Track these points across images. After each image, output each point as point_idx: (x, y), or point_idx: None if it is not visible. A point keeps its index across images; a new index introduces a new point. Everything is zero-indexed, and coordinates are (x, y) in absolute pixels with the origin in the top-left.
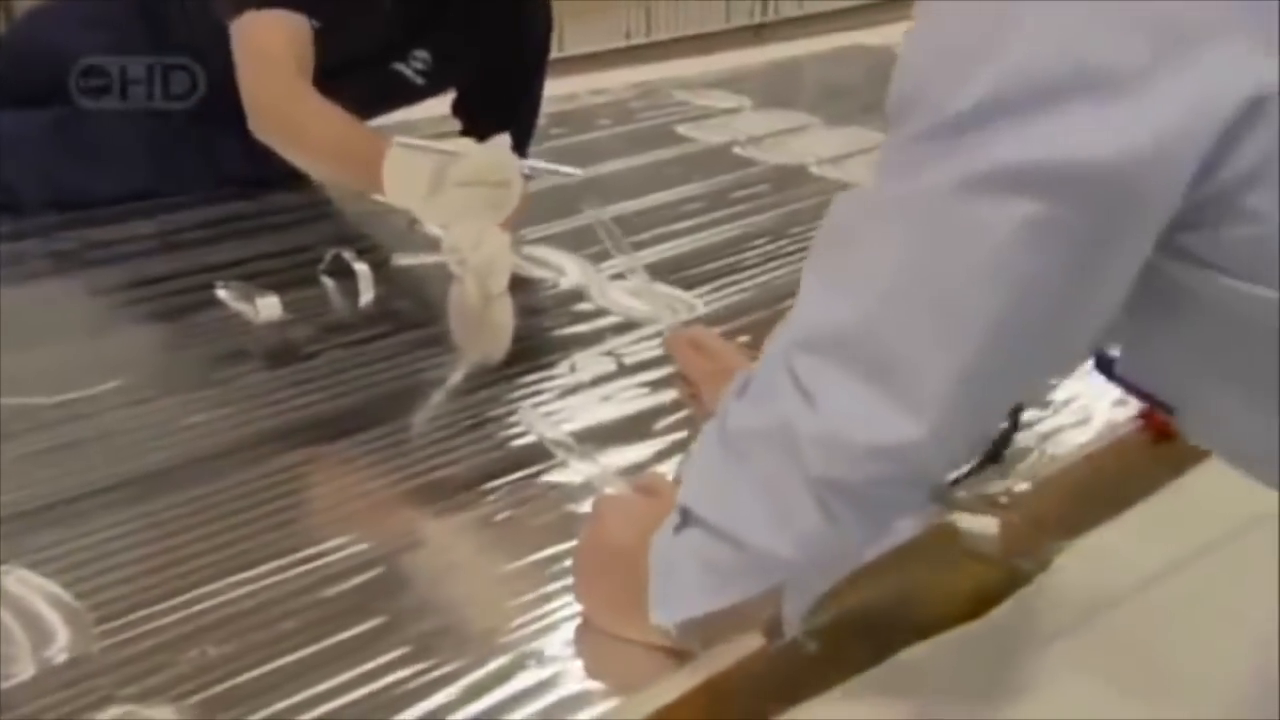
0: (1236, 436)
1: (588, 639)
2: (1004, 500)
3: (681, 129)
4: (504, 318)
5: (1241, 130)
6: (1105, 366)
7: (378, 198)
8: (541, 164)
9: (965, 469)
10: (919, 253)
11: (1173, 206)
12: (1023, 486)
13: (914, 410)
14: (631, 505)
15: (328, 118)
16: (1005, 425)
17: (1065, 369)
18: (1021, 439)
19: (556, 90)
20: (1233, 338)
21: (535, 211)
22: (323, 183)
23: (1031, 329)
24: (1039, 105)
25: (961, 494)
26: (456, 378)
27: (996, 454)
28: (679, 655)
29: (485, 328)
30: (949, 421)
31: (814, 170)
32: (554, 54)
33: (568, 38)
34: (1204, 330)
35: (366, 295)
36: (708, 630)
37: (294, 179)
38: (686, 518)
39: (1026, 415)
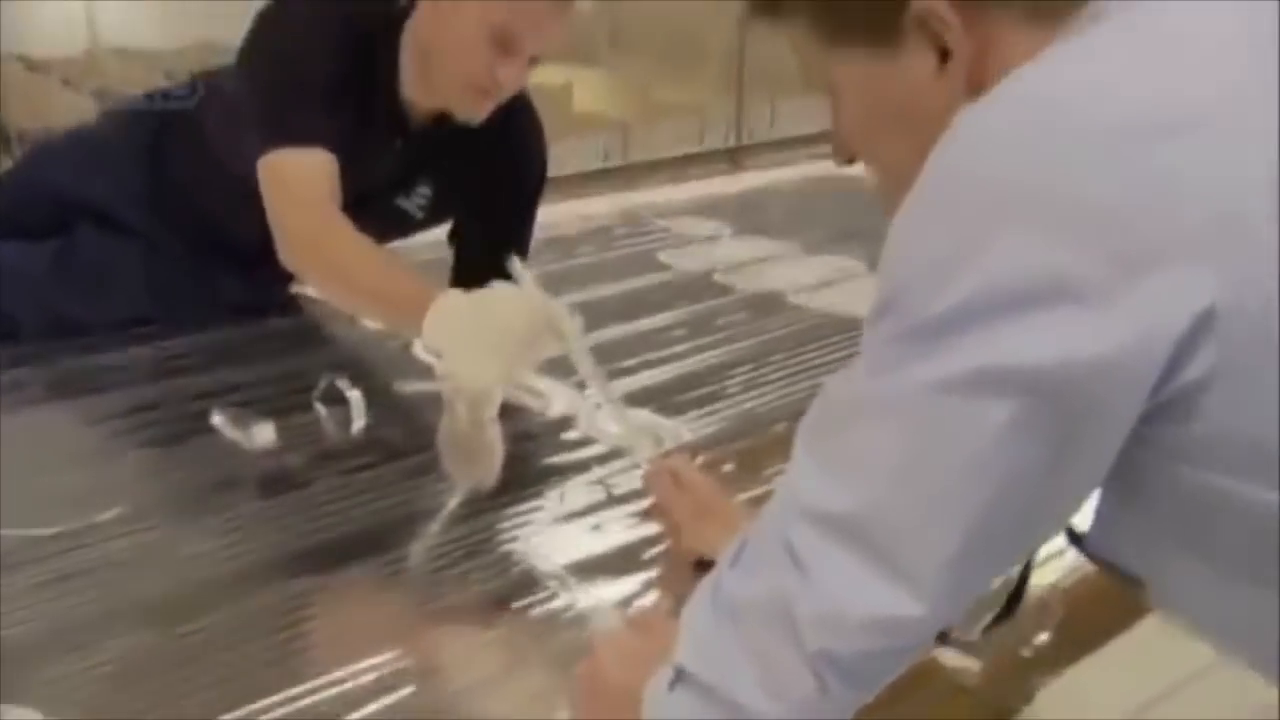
0: (1203, 612)
1: None
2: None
3: (663, 256)
4: (494, 445)
5: (1194, 342)
6: (1075, 539)
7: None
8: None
9: (983, 623)
10: (907, 447)
11: (1139, 406)
12: (1042, 638)
13: (912, 588)
14: (626, 644)
15: (368, 256)
16: (1017, 580)
17: (1051, 538)
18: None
19: (541, 216)
20: (1199, 521)
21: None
22: (354, 315)
23: (1018, 513)
24: (1011, 314)
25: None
26: (449, 507)
27: (1010, 609)
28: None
29: (476, 455)
30: (945, 595)
31: (790, 298)
32: None
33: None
34: (1171, 512)
35: (359, 422)
36: None
37: (288, 305)
38: (680, 676)
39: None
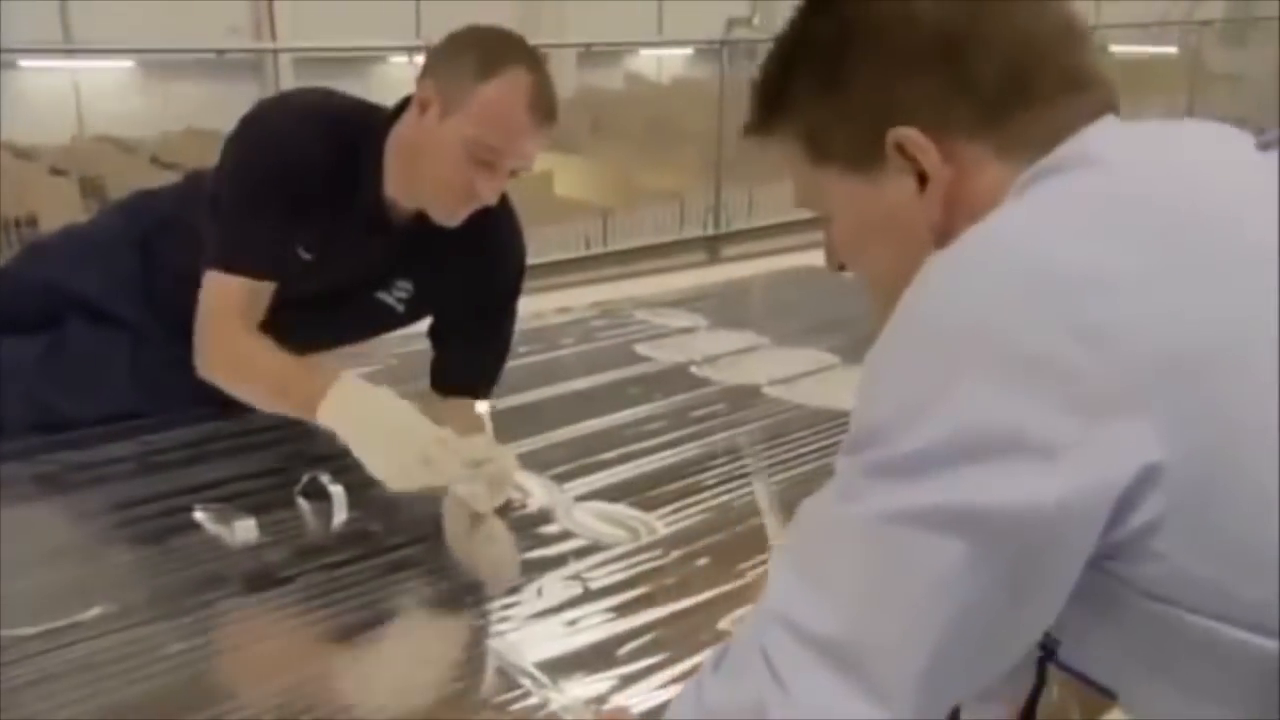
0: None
1: None
2: None
3: (640, 348)
4: (497, 540)
5: (1140, 491)
6: (1047, 651)
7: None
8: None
9: None
10: (874, 573)
11: (1089, 548)
12: None
13: (882, 700)
14: None
15: (270, 359)
16: (1033, 685)
17: (1017, 659)
18: None
19: (524, 307)
20: (1164, 647)
21: (502, 430)
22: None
23: (980, 638)
24: (968, 460)
25: None
26: (431, 602)
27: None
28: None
29: (484, 550)
30: (918, 708)
31: (766, 390)
32: None
33: (528, 247)
34: (1136, 636)
35: (340, 517)
36: None
37: None
38: None
39: None
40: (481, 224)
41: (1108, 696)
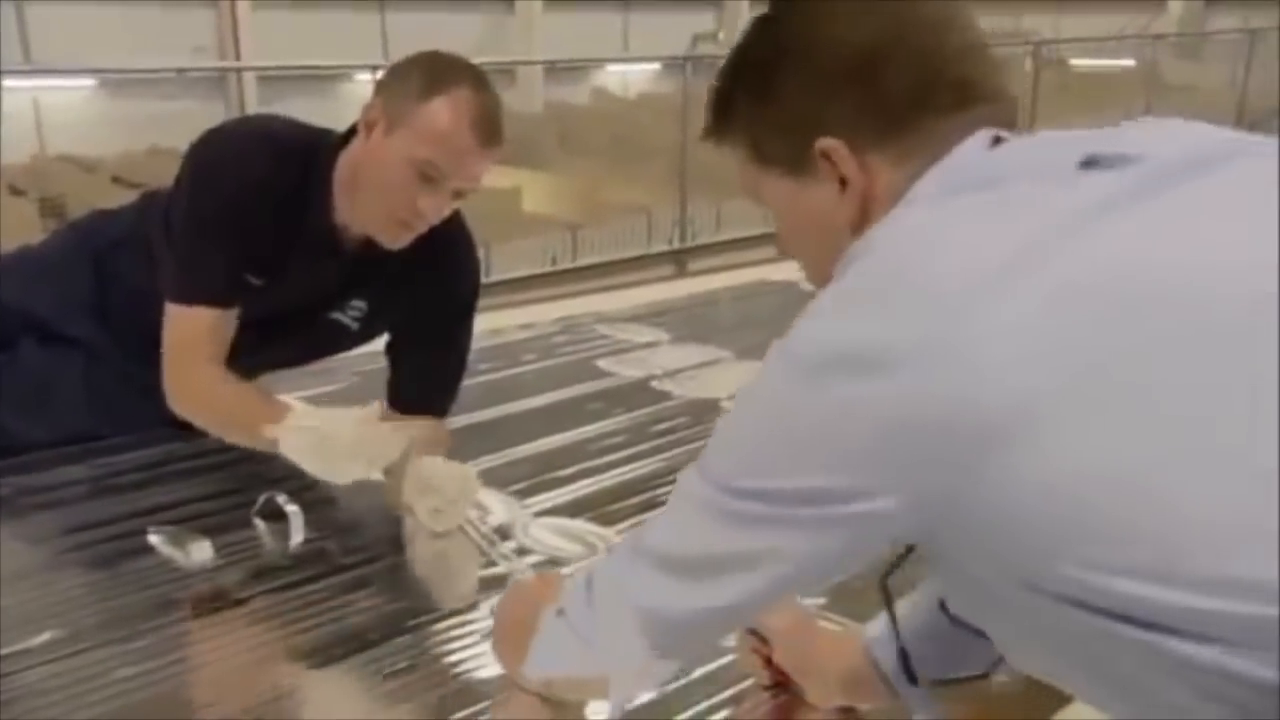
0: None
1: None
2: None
3: (602, 363)
4: (466, 559)
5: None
6: (945, 610)
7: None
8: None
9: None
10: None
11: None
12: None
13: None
14: (531, 589)
15: (229, 393)
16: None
17: None
18: None
19: (485, 324)
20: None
21: (462, 448)
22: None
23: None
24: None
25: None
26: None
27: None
28: (552, 705)
29: (445, 568)
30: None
31: (726, 404)
32: (483, 279)
33: (495, 263)
34: (966, 590)
35: (297, 537)
36: (562, 689)
37: None
38: (560, 612)
39: None
40: (435, 241)
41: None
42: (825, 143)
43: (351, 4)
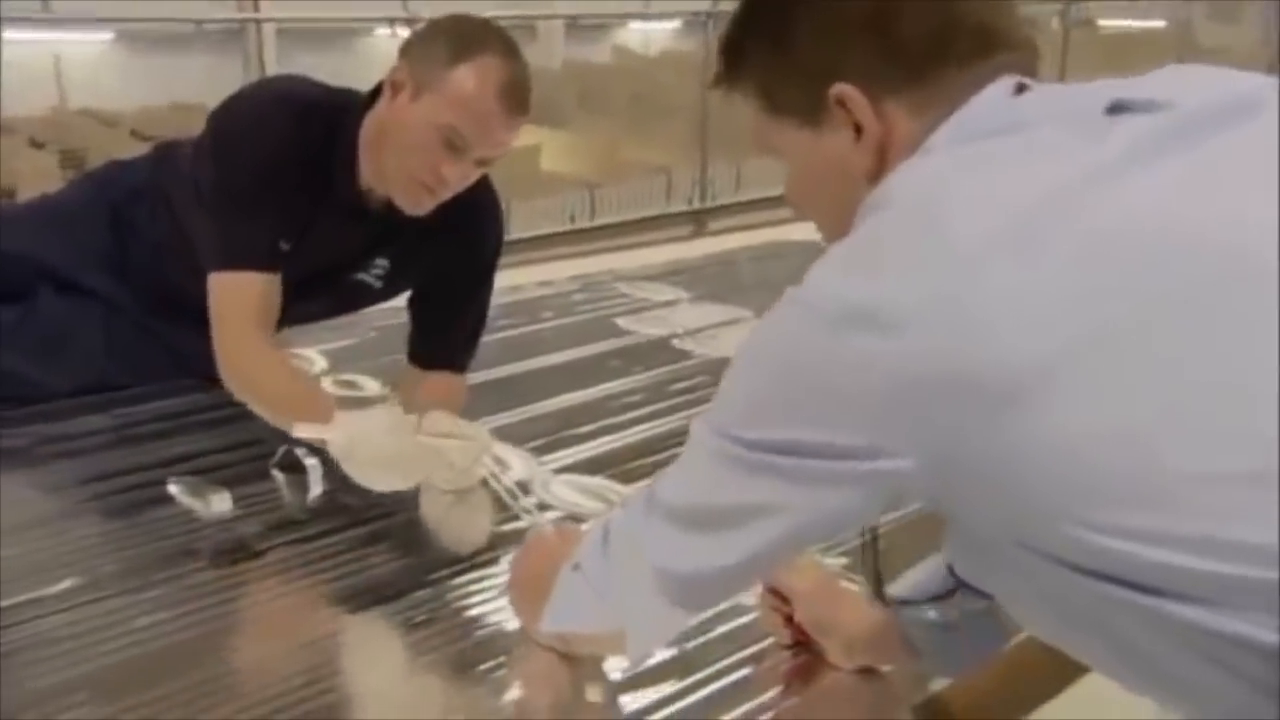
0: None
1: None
2: None
3: (622, 321)
4: (479, 511)
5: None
6: (951, 571)
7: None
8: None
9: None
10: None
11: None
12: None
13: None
14: (548, 542)
15: (283, 380)
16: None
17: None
18: None
19: (504, 281)
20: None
21: (481, 404)
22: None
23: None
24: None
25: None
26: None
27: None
28: (569, 660)
29: (458, 519)
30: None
31: None
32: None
33: (514, 220)
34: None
35: (316, 490)
36: (579, 644)
37: None
38: (577, 567)
39: None
40: (460, 201)
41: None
42: (840, 89)
43: None
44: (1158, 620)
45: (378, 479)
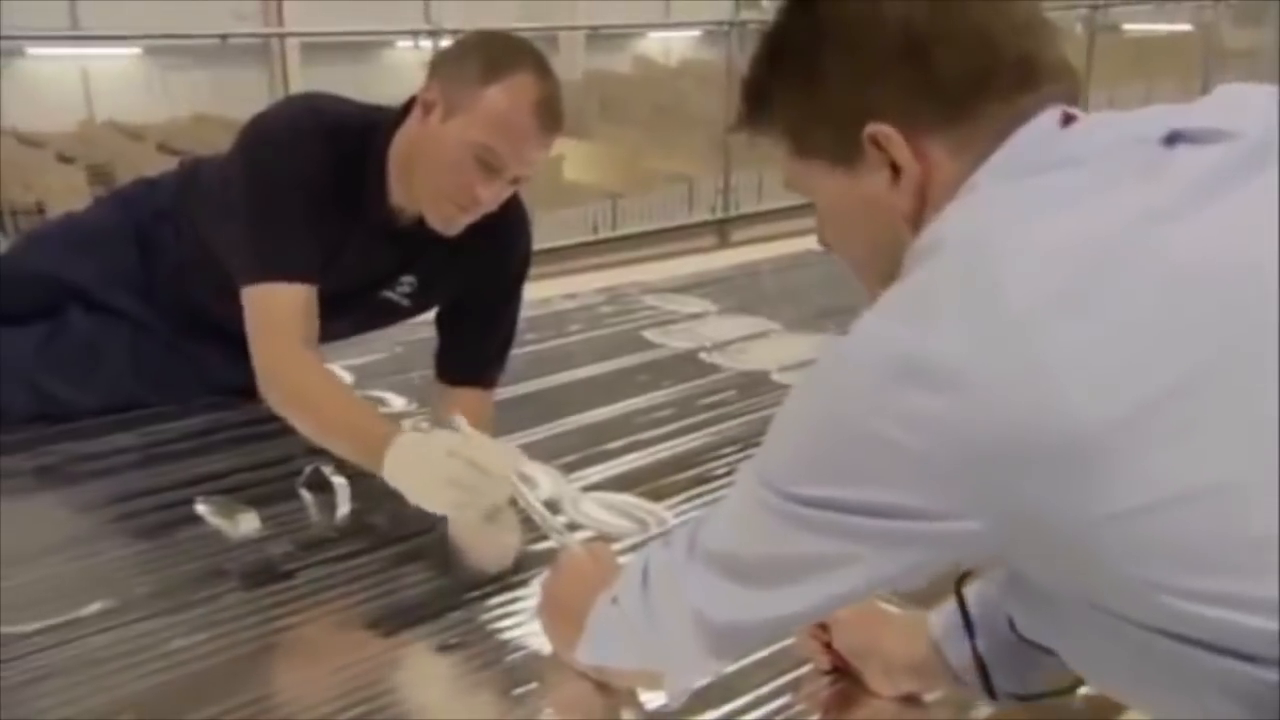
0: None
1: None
2: None
3: (649, 334)
4: (508, 530)
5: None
6: (1011, 626)
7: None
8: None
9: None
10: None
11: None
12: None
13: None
14: (580, 564)
15: (336, 396)
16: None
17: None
18: None
19: (530, 294)
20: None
21: (509, 420)
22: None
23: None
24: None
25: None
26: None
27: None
28: (604, 686)
29: (487, 539)
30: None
31: (776, 377)
32: None
33: (537, 231)
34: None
35: (343, 509)
36: (615, 677)
37: None
38: (616, 601)
39: None
40: (489, 215)
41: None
42: (875, 128)
43: None
44: (1248, 684)
45: (437, 500)
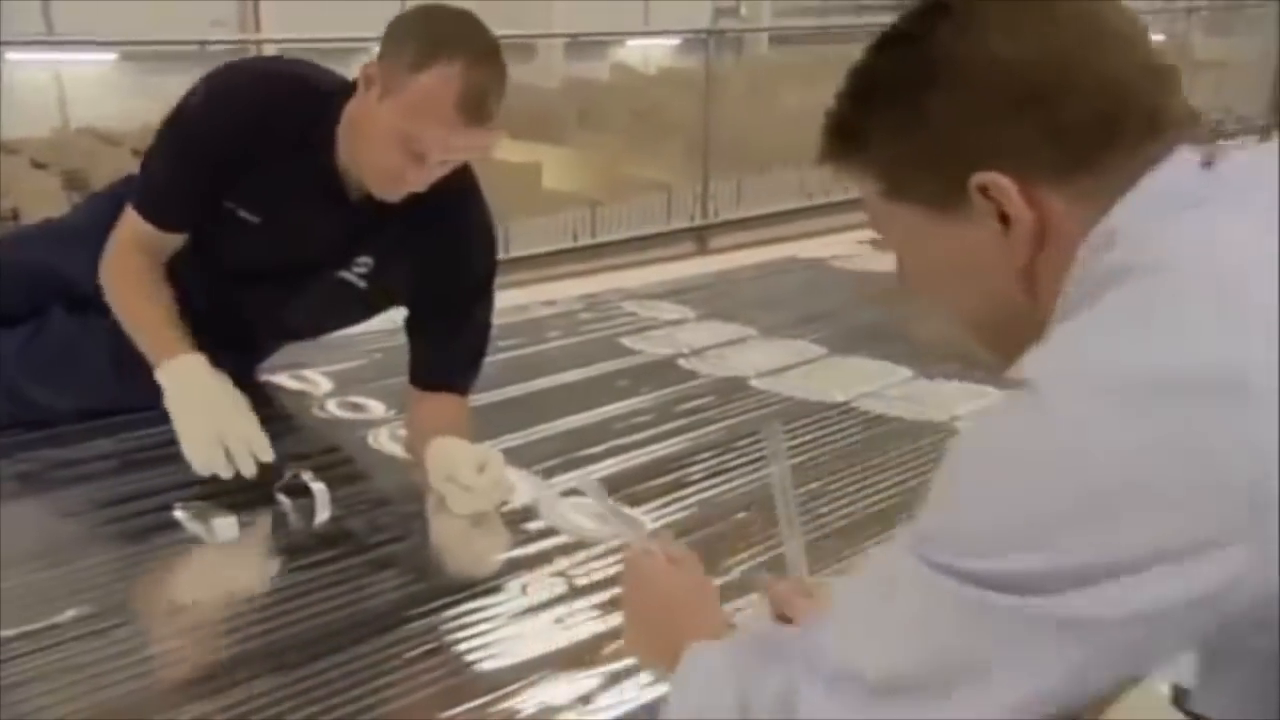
0: None
1: None
2: None
3: (628, 340)
4: (494, 535)
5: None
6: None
7: None
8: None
9: None
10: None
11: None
12: None
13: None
14: (663, 575)
15: (139, 302)
16: None
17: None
18: None
19: (508, 301)
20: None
21: (488, 426)
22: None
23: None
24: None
25: None
26: (413, 599)
27: None
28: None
29: (472, 544)
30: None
31: (754, 383)
32: (503, 255)
33: (515, 239)
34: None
35: (322, 515)
36: None
37: (254, 392)
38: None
39: None
40: (443, 203)
41: None
42: (986, 177)
43: None
44: None
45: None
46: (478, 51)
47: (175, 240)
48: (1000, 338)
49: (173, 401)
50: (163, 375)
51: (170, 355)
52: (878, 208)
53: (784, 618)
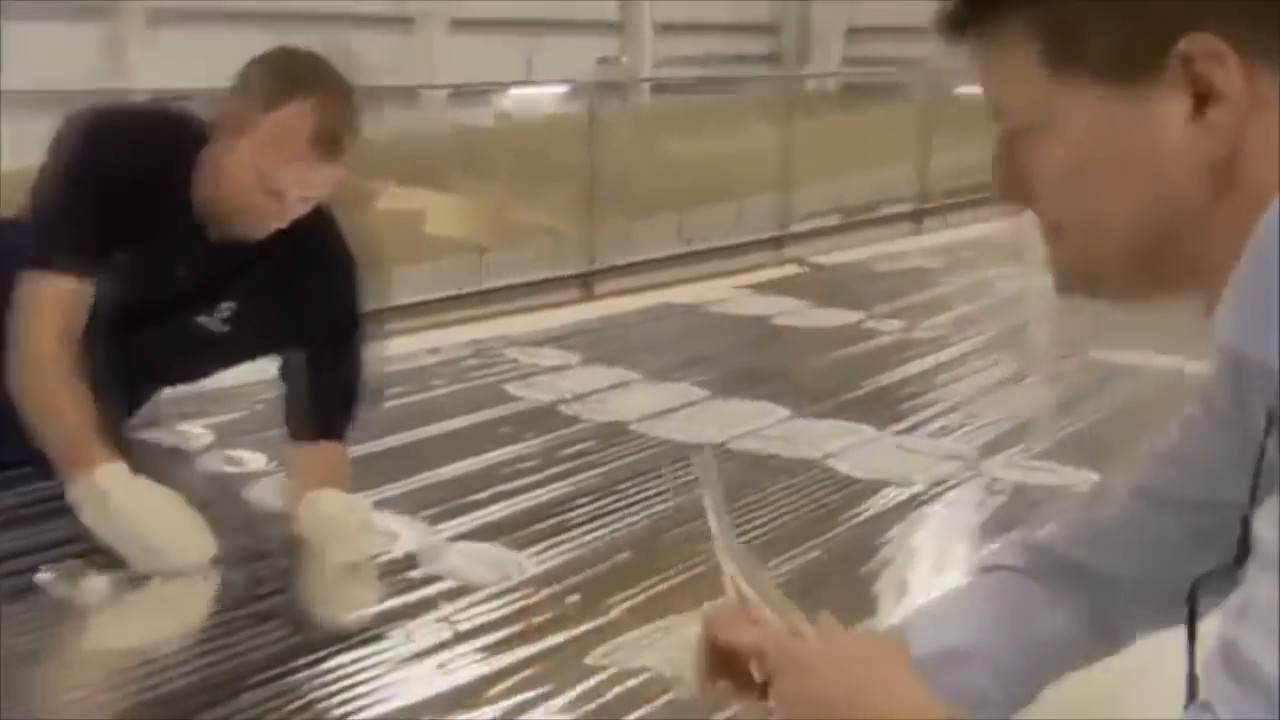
0: None
1: None
2: None
3: (511, 387)
4: (367, 585)
5: None
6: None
7: None
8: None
9: None
10: None
11: None
12: None
13: None
14: (850, 654)
15: (61, 407)
16: None
17: None
18: None
19: (394, 349)
20: None
21: (372, 474)
22: None
23: None
24: None
25: None
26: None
27: None
28: None
29: (346, 593)
30: None
31: (634, 427)
32: (387, 303)
33: (400, 286)
34: None
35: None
36: None
37: (121, 448)
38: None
39: None
40: (304, 244)
41: None
42: (1198, 41)
43: (253, 22)
44: None
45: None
46: (329, 88)
47: (89, 294)
48: (1156, 257)
49: (95, 518)
50: (80, 490)
51: (88, 465)
52: (1022, 78)
53: (722, 643)
